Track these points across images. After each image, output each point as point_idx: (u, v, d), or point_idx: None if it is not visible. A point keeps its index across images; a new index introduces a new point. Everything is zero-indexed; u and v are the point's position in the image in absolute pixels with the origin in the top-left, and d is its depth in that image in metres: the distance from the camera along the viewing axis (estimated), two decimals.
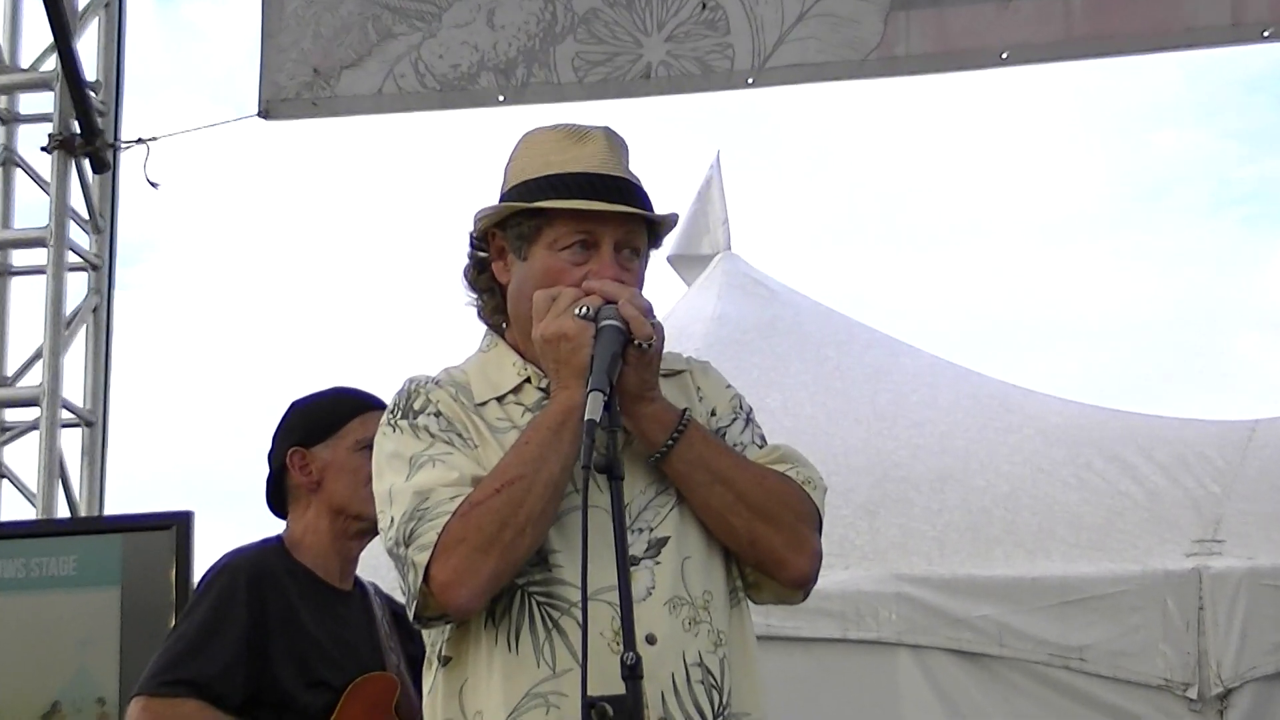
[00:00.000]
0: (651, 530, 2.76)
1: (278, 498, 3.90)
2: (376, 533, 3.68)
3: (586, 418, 2.55)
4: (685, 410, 2.81)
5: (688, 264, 8.73)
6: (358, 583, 3.92)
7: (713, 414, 2.94)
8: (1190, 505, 5.93)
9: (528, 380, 2.87)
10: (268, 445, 3.94)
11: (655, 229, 2.89)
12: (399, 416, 2.82)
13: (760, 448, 2.93)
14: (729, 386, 3.02)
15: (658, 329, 2.74)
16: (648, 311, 2.75)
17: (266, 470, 3.93)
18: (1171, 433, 6.53)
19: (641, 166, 2.92)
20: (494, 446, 2.78)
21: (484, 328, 2.98)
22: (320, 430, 3.84)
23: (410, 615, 2.71)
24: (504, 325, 2.95)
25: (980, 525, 6.01)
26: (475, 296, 2.96)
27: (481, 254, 2.92)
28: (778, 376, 7.19)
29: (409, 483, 2.71)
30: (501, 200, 2.90)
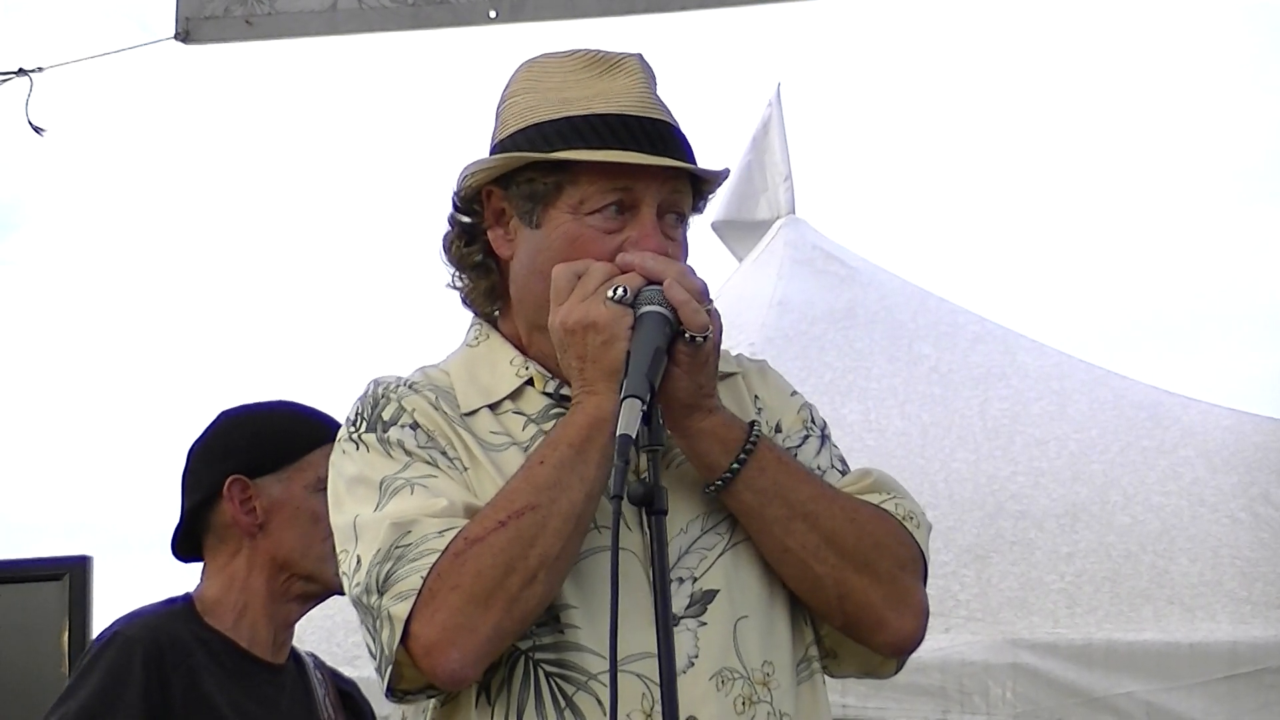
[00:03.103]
0: (695, 580, 2.75)
1: (190, 538, 3.87)
2: (324, 597, 3.77)
3: (620, 432, 2.54)
4: (754, 423, 2.80)
5: (739, 232, 8.73)
6: (293, 654, 3.90)
7: (777, 430, 2.93)
8: None
9: (529, 383, 2.86)
10: (180, 469, 3.89)
11: (701, 188, 2.89)
12: (364, 429, 2.82)
13: (843, 474, 2.93)
14: (795, 394, 3.01)
15: (715, 318, 2.74)
16: (702, 295, 2.74)
17: (179, 501, 3.88)
18: None
19: (674, 107, 2.91)
20: (488, 469, 2.77)
21: (470, 316, 2.97)
22: (272, 457, 3.83)
23: (383, 686, 2.70)
24: (497, 313, 2.94)
25: (1123, 575, 6.01)
26: (460, 275, 2.95)
27: (467, 219, 2.91)
28: (857, 380, 7.19)
29: (381, 512, 2.71)
30: (498, 149, 2.88)
